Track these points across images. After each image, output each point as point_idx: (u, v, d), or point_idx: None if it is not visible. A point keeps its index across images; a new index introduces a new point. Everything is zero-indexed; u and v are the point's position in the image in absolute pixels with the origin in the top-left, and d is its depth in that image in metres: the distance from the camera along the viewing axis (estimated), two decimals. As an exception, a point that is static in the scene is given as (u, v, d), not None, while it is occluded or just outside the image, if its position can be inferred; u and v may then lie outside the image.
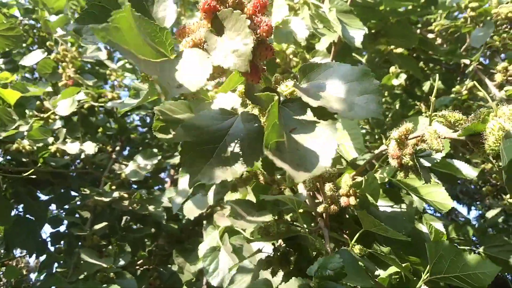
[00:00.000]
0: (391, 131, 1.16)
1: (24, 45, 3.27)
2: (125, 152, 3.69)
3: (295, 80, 0.85)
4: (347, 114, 0.67)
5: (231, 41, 0.67)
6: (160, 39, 0.66)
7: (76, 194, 2.93)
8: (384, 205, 1.76)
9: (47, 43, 2.75)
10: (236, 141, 0.75)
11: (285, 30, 1.74)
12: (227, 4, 0.75)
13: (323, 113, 0.68)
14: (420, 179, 1.18)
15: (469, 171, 1.59)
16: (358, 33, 1.62)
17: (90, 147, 2.62)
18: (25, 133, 2.16)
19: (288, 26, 1.77)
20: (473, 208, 4.88)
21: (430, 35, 2.91)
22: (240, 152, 0.72)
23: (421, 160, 1.24)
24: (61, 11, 2.66)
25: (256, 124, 0.77)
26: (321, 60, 2.18)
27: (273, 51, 0.74)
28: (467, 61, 2.68)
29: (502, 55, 2.51)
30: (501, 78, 2.08)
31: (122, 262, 2.31)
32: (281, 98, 0.79)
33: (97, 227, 2.40)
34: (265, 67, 0.79)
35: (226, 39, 0.69)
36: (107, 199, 2.49)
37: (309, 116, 0.70)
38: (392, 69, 3.10)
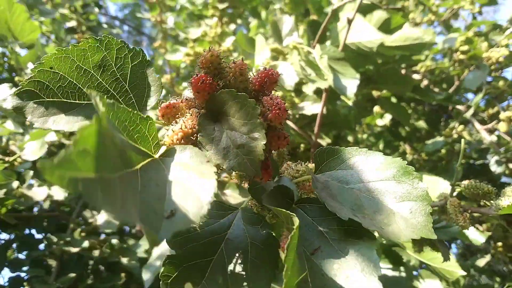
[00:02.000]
0: None
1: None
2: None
3: (307, 164, 0.70)
4: (385, 232, 0.51)
5: (235, 133, 0.51)
6: (141, 133, 0.49)
7: (41, 236, 2.69)
8: (384, 267, 1.63)
9: (16, 79, 2.55)
10: (237, 254, 0.57)
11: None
12: (227, 80, 0.59)
13: (354, 226, 0.52)
14: (437, 252, 1.05)
15: (476, 237, 1.48)
16: (351, 82, 1.50)
17: (59, 192, 2.40)
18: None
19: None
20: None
21: (416, 76, 2.86)
22: (243, 273, 0.55)
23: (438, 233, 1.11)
24: (33, 45, 2.47)
25: (264, 231, 0.60)
26: (311, 105, 2.05)
27: (288, 140, 0.58)
28: (459, 106, 2.62)
29: (505, 102, 2.47)
30: (506, 127, 2.00)
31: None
32: (295, 195, 0.62)
33: (63, 279, 2.17)
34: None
35: (228, 129, 0.53)
36: (76, 249, 2.27)
37: (336, 227, 0.54)
38: (377, 108, 3.02)
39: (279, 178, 0.70)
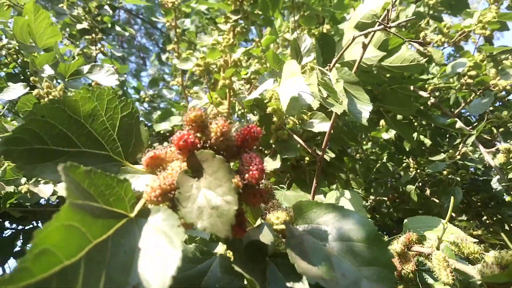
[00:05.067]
0: (391, 240, 1.05)
1: (5, 69, 3.14)
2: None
3: (286, 212, 0.72)
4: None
5: (211, 193, 0.53)
6: (117, 195, 0.51)
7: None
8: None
9: (31, 79, 2.60)
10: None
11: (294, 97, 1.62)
12: (208, 138, 0.61)
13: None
14: None
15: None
16: (365, 108, 1.50)
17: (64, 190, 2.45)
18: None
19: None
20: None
21: (422, 93, 2.86)
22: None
23: (424, 275, 1.13)
24: (50, 48, 2.52)
25: (240, 283, 0.63)
26: (319, 123, 2.06)
27: (264, 198, 0.60)
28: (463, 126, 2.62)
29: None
30: (504, 159, 2.00)
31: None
32: (269, 249, 0.65)
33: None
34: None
35: (204, 187, 0.55)
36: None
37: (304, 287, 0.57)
38: (382, 122, 3.02)
39: (259, 225, 0.72)
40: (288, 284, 0.58)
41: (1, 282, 0.34)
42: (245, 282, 0.65)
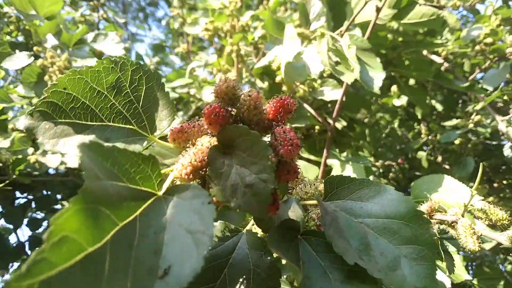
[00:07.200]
0: None
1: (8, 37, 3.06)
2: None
3: (315, 186, 0.69)
4: (389, 278, 0.51)
5: (244, 170, 0.50)
6: (143, 173, 0.48)
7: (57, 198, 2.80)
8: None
9: (34, 49, 2.54)
10: (239, 280, 0.58)
11: (298, 64, 1.56)
12: (241, 111, 0.58)
13: (358, 268, 0.52)
14: (442, 261, 1.06)
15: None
16: (377, 76, 1.45)
17: (72, 160, 2.44)
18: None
19: (301, 58, 1.60)
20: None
21: (436, 58, 2.78)
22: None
23: (445, 243, 1.11)
24: (53, 16, 2.44)
25: (267, 259, 0.61)
26: (331, 90, 2.01)
27: (297, 174, 0.57)
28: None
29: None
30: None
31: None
32: (301, 226, 0.62)
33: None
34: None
35: (237, 164, 0.52)
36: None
37: (339, 266, 0.54)
38: (394, 88, 2.96)
39: (287, 198, 0.70)
40: (322, 263, 0.56)
41: (17, 277, 0.31)
42: (274, 256, 0.64)
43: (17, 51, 2.47)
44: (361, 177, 1.65)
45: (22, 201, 2.70)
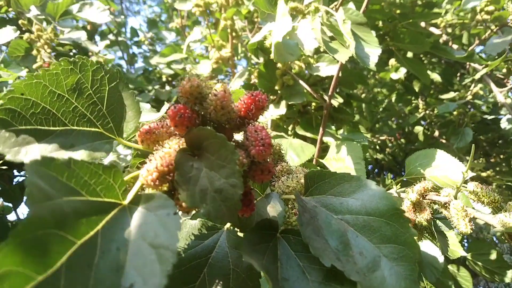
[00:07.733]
0: (407, 188, 1.01)
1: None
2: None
3: (297, 180, 0.67)
4: (368, 280, 0.49)
5: (213, 174, 0.48)
6: (105, 184, 0.46)
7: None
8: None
9: (20, 22, 2.47)
10: (218, 280, 0.57)
11: (291, 42, 1.51)
12: (207, 112, 0.54)
13: (336, 269, 0.50)
14: (435, 241, 1.06)
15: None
16: (373, 52, 1.41)
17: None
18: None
19: (295, 34, 1.54)
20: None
21: (434, 30, 2.72)
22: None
23: (438, 223, 1.10)
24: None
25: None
26: (326, 66, 1.96)
27: (273, 173, 0.55)
28: (476, 65, 2.51)
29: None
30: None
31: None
32: (279, 224, 0.60)
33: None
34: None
35: (206, 167, 0.49)
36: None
37: (317, 266, 0.53)
38: (392, 61, 2.90)
39: (267, 194, 0.68)
40: (301, 263, 0.54)
41: None
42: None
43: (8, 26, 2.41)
44: (358, 156, 1.63)
45: (21, 179, 2.70)
